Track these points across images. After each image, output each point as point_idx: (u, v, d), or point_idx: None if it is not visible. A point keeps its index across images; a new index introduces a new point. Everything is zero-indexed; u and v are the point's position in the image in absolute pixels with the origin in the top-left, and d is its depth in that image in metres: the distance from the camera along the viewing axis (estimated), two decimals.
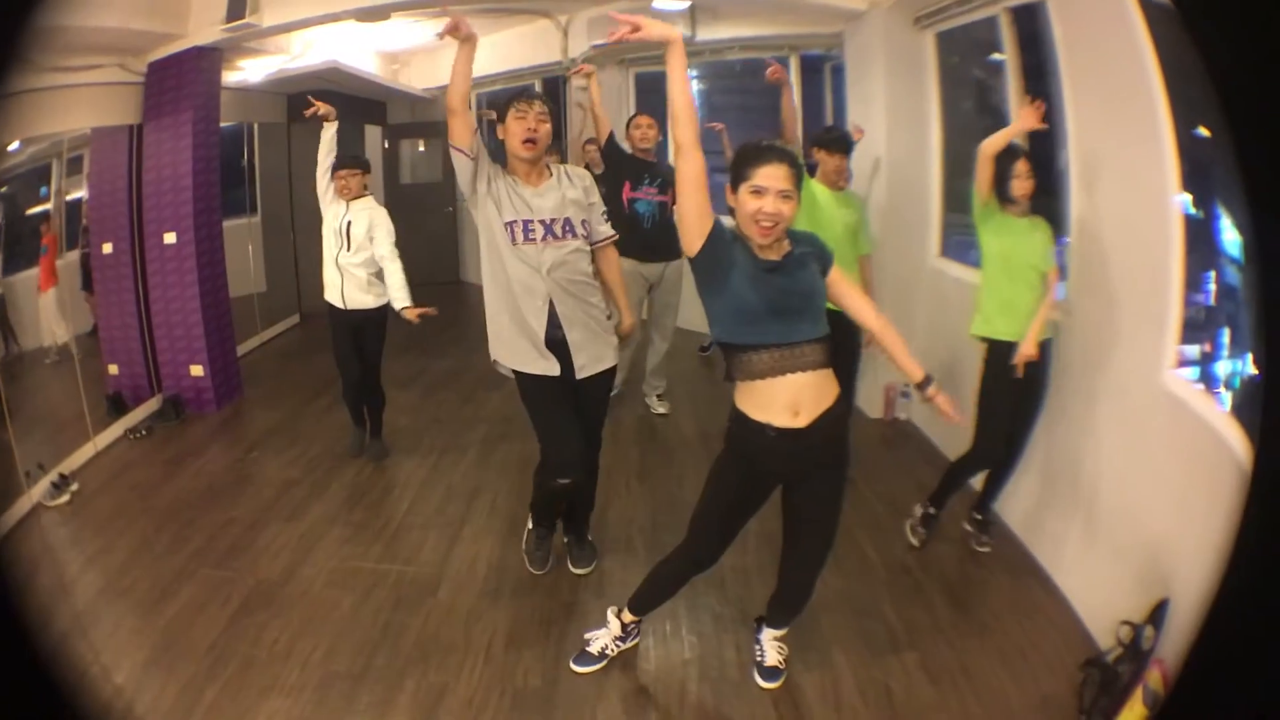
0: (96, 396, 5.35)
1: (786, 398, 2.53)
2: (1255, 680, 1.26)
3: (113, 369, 5.66)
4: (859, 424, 5.31)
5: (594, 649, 3.08)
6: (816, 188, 4.32)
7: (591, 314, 3.34)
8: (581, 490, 3.63)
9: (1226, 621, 1.36)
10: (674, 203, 5.13)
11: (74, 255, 5.51)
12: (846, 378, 4.56)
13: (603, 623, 3.13)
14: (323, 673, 3.00)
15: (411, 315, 4.47)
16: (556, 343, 3.29)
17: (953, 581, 3.72)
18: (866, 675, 3.06)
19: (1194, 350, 3.12)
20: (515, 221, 3.21)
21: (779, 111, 4.25)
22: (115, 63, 5.43)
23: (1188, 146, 2.97)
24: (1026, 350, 3.59)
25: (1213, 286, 3.16)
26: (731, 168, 2.54)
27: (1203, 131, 2.97)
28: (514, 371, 3.35)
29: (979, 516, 3.97)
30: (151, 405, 5.66)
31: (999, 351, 3.69)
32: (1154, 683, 2.52)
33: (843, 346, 4.35)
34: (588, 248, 3.36)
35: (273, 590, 3.55)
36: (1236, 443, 2.56)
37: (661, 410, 5.76)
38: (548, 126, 3.24)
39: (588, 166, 6.09)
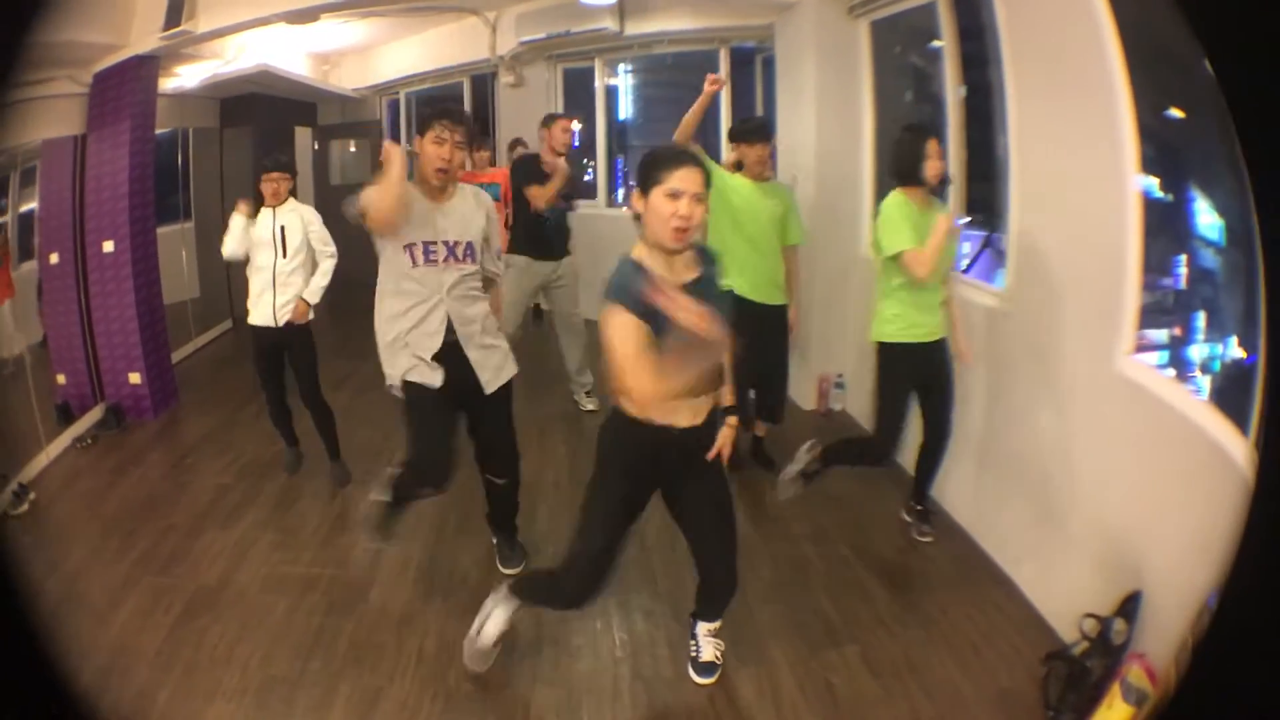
0: (48, 406, 5.47)
1: (694, 406, 2.60)
2: (1264, 677, 1.26)
3: (60, 379, 5.77)
4: (794, 416, 5.37)
5: (490, 638, 3.06)
6: (739, 181, 4.35)
7: (487, 328, 3.44)
8: (505, 497, 3.76)
9: (1236, 618, 1.36)
10: (573, 206, 5.54)
11: (30, 266, 5.60)
12: (780, 372, 4.87)
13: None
14: (262, 677, 3.12)
15: (303, 310, 4.54)
16: (452, 360, 3.34)
17: (893, 573, 3.75)
18: (805, 670, 3.09)
19: (1161, 335, 3.10)
20: (415, 244, 3.24)
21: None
22: (65, 75, 5.54)
23: (1155, 129, 2.93)
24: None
25: (1184, 270, 3.12)
26: (640, 171, 2.49)
27: (1175, 113, 3.00)
28: (402, 382, 3.36)
29: (918, 507, 4.05)
30: (95, 414, 5.78)
31: (886, 350, 3.78)
32: (1136, 678, 2.48)
33: (771, 344, 4.56)
34: (479, 273, 3.42)
35: (211, 596, 3.67)
36: (1215, 429, 2.52)
37: (590, 406, 5.86)
38: (462, 155, 3.28)
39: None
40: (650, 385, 2.30)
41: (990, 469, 3.96)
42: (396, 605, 3.62)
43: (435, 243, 3.28)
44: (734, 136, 4.50)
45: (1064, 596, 3.18)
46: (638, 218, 2.50)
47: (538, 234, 5.55)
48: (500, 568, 3.85)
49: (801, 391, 5.76)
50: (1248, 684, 1.29)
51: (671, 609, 3.45)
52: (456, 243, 3.32)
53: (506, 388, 3.55)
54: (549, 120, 5.62)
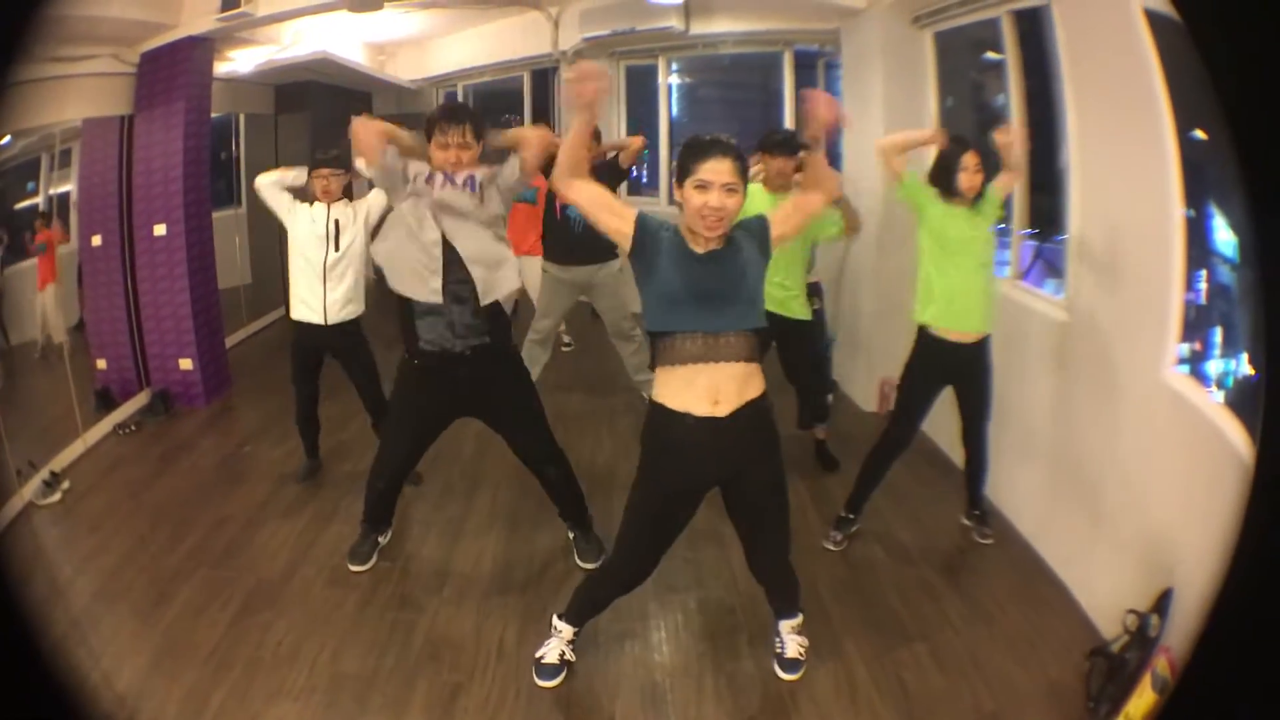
0: (85, 391, 5.24)
1: (706, 386, 2.52)
2: (1260, 667, 1.30)
3: (101, 364, 5.57)
4: (854, 417, 5.47)
5: (552, 659, 3.00)
6: (754, 188, 4.20)
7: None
8: (555, 486, 3.69)
9: (1233, 611, 1.40)
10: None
11: (64, 249, 5.41)
12: (820, 374, 5.06)
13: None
14: (332, 674, 2.95)
15: None
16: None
17: (957, 573, 3.75)
18: (879, 666, 3.09)
19: (1184, 349, 3.14)
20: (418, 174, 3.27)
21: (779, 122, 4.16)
22: (109, 53, 5.35)
23: (1185, 149, 3.00)
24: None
25: (1203, 286, 3.16)
26: (677, 163, 2.56)
27: (1199, 134, 2.99)
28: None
29: (976, 512, 4.03)
30: (140, 400, 5.57)
31: (925, 339, 3.73)
32: (1162, 669, 2.56)
33: (804, 348, 4.56)
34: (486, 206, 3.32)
35: (274, 590, 3.48)
36: (1236, 438, 2.60)
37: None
38: (470, 154, 3.24)
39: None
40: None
41: (1045, 472, 3.99)
42: (473, 598, 3.46)
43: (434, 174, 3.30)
44: (760, 146, 4.43)
45: (1108, 595, 3.26)
46: (680, 208, 2.56)
47: (565, 240, 5.26)
48: (578, 562, 3.72)
49: (864, 393, 5.71)
50: (1243, 666, 1.35)
51: (751, 604, 3.35)
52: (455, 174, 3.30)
53: (515, 392, 3.59)
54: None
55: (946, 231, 3.64)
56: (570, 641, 3.01)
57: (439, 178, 3.23)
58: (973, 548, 3.92)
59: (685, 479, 2.67)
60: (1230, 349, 3.06)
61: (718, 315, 2.51)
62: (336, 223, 4.20)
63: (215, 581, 3.53)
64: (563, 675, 2.97)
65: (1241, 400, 2.78)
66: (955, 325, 3.66)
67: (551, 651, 2.99)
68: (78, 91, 5.20)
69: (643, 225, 2.56)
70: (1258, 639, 1.33)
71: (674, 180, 2.56)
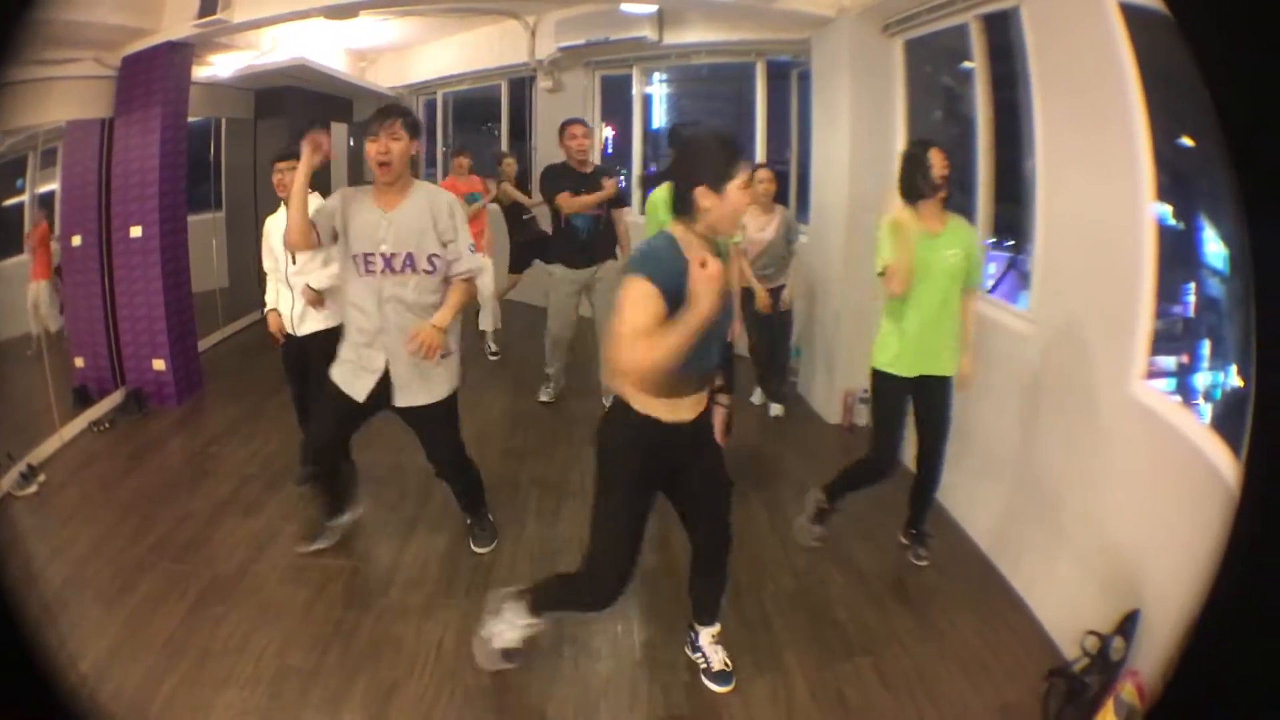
0: (64, 388, 5.40)
1: (684, 406, 2.61)
2: (1239, 693, 1.27)
3: (79, 362, 5.71)
4: (818, 430, 5.61)
5: (505, 645, 3.01)
6: (658, 195, 4.49)
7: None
8: (464, 492, 3.92)
9: (1212, 635, 1.36)
10: (608, 215, 5.52)
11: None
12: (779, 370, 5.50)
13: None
14: (277, 666, 3.07)
15: (313, 299, 4.19)
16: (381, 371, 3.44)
17: (908, 590, 3.75)
18: (819, 679, 3.10)
19: (1170, 362, 3.12)
20: (357, 255, 3.32)
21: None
22: (91, 57, 5.49)
23: (1169, 157, 2.96)
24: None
25: (1192, 298, 3.13)
26: (707, 166, 2.43)
27: (1186, 142, 3.00)
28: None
29: (914, 531, 4.00)
30: (115, 398, 5.72)
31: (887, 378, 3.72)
32: (1128, 695, 2.51)
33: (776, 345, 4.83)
34: (431, 280, 3.38)
35: (229, 585, 3.61)
36: (1214, 454, 2.55)
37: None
38: (401, 144, 3.26)
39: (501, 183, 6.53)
40: (646, 356, 2.29)
41: (1006, 488, 3.96)
42: (417, 600, 3.57)
43: (374, 255, 3.34)
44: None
45: (1070, 614, 3.21)
46: (698, 211, 2.47)
47: (573, 243, 5.55)
48: (473, 547, 3.95)
49: (828, 405, 5.78)
50: (1226, 693, 1.30)
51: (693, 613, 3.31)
52: (394, 255, 3.34)
53: (434, 407, 3.58)
54: (560, 129, 5.59)
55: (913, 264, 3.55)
56: (529, 625, 2.99)
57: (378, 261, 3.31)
58: (928, 564, 3.91)
59: (650, 471, 2.69)
60: (1219, 360, 3.02)
61: (715, 352, 2.62)
62: None
63: (175, 574, 3.67)
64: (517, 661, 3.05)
65: (1228, 413, 2.75)
66: (915, 370, 3.65)
67: (502, 640, 3.00)
68: (61, 94, 5.35)
69: (664, 291, 2.35)
70: (1241, 666, 1.28)
71: (702, 187, 2.43)
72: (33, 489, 4.46)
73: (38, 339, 5.30)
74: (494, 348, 7.27)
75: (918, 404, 3.76)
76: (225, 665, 3.08)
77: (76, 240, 5.65)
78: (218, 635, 3.26)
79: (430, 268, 3.35)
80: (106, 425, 5.44)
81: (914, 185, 3.62)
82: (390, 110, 3.32)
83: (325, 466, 3.77)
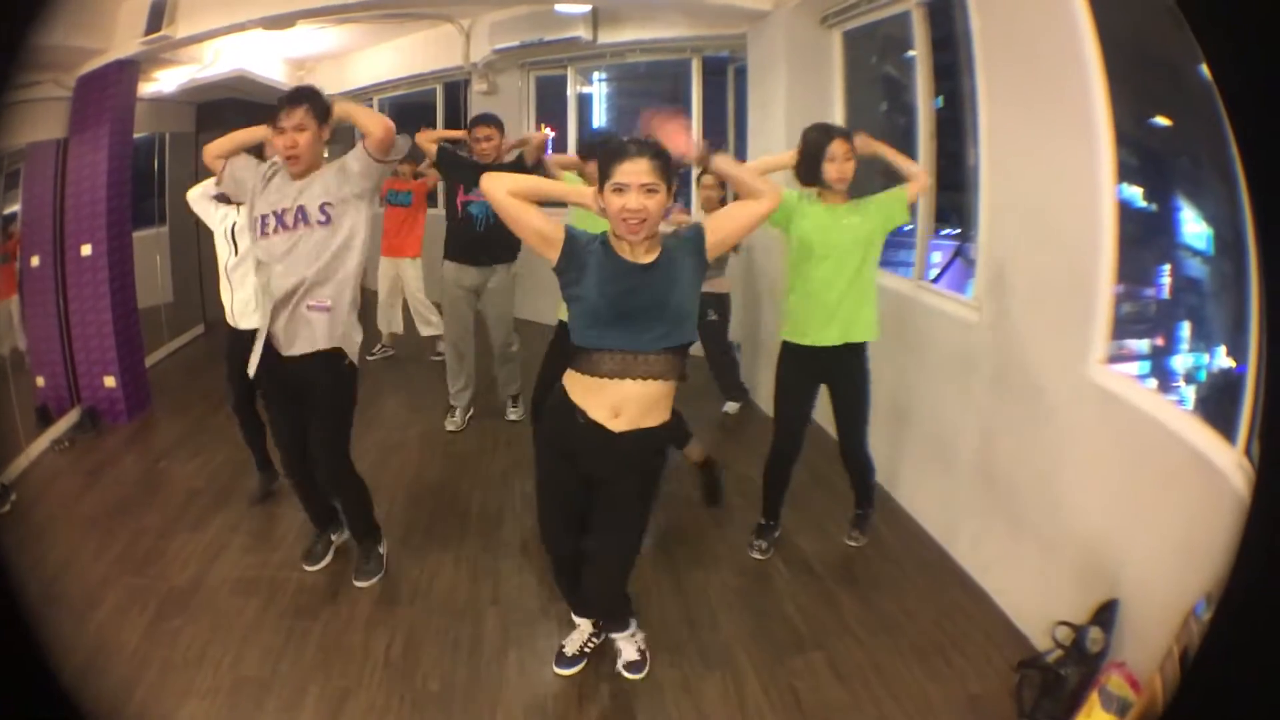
0: (29, 408, 5.57)
1: (611, 399, 2.55)
2: (1259, 689, 1.26)
3: (40, 381, 5.85)
4: (760, 423, 5.47)
5: (571, 650, 3.21)
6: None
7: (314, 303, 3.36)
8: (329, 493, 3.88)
9: (1231, 629, 1.37)
10: None
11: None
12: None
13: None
14: (233, 677, 3.19)
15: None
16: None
17: (859, 582, 3.77)
18: (770, 676, 3.12)
19: (1143, 344, 3.10)
20: (256, 218, 3.32)
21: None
22: (51, 79, 5.63)
23: (1139, 137, 2.92)
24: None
25: (1167, 280, 3.10)
26: (598, 168, 2.51)
27: (1160, 120, 3.00)
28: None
29: (857, 512, 4.01)
30: (72, 417, 5.85)
31: (786, 346, 3.68)
32: (1117, 687, 2.46)
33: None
34: (325, 234, 3.31)
35: (184, 597, 3.73)
36: (1193, 436, 2.52)
37: (513, 417, 5.82)
38: (308, 135, 3.23)
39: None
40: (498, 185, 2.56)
41: (956, 475, 3.93)
42: (363, 609, 3.68)
43: (269, 215, 3.33)
44: (581, 150, 4.66)
45: (1036, 604, 3.18)
46: (603, 212, 2.53)
47: (467, 235, 5.27)
48: (354, 580, 3.88)
49: (768, 399, 5.65)
50: (1243, 695, 1.29)
51: (643, 616, 3.39)
52: (285, 210, 3.31)
53: (322, 381, 3.52)
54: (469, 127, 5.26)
55: (810, 236, 3.47)
56: (593, 634, 3.21)
57: (270, 220, 3.27)
58: (878, 555, 3.95)
59: (572, 466, 2.73)
60: (1201, 342, 2.98)
61: (643, 332, 2.49)
62: (234, 225, 4.09)
63: (135, 588, 3.79)
64: (579, 667, 3.18)
65: (1214, 394, 2.72)
66: (813, 339, 3.55)
67: (571, 645, 3.22)
68: (23, 117, 5.44)
69: (571, 236, 2.52)
70: (1259, 658, 1.27)
71: (595, 188, 2.52)
72: (6, 508, 4.58)
73: (4, 359, 5.44)
74: (391, 348, 7.55)
75: (830, 376, 3.69)
76: (186, 676, 3.20)
77: (35, 260, 5.78)
78: (178, 647, 3.38)
79: (327, 216, 3.32)
80: (67, 444, 5.58)
81: (809, 171, 3.50)
82: (293, 97, 3.25)
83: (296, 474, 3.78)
